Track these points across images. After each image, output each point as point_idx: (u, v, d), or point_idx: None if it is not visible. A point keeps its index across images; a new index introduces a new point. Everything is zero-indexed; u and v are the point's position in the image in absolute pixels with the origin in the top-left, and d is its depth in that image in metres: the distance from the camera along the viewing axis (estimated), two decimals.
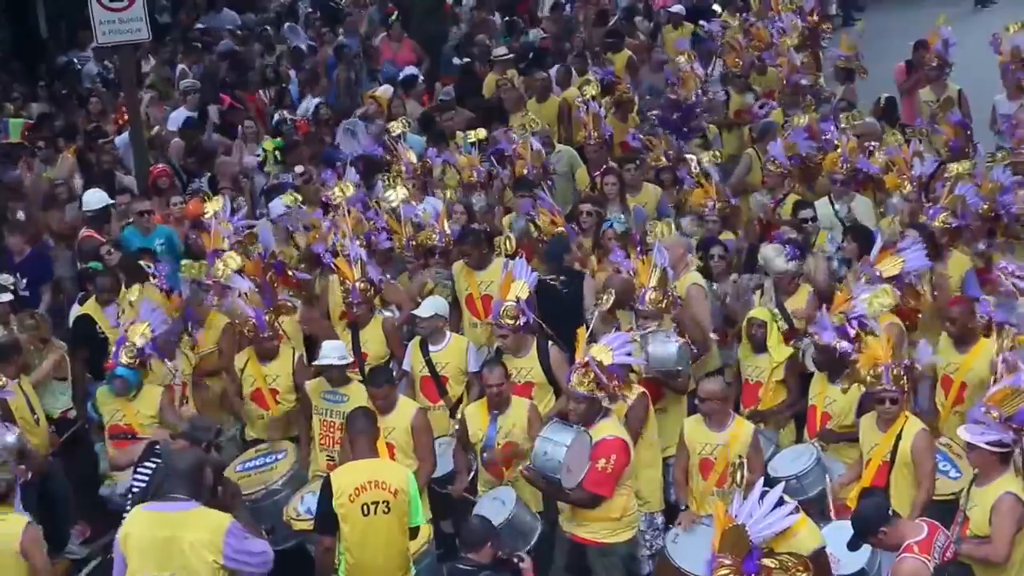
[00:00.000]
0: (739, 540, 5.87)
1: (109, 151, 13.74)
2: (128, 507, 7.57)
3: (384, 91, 14.60)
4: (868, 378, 7.69)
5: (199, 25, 20.35)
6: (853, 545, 6.80)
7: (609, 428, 7.80)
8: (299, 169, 12.12)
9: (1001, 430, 6.86)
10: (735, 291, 9.72)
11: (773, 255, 9.41)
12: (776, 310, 9.21)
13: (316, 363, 8.86)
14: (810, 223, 10.39)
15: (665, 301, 8.71)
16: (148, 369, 8.88)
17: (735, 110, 13.99)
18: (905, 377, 7.59)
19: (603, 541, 7.86)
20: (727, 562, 5.88)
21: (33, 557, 7.11)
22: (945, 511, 7.36)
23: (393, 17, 17.38)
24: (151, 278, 9.58)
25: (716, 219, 10.60)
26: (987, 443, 6.85)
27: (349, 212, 10.16)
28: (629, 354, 7.96)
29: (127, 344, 8.64)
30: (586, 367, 7.70)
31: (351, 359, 8.88)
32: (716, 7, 16.40)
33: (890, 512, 6.70)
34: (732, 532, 5.90)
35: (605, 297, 8.67)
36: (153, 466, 7.71)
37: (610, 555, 7.91)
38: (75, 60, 18.80)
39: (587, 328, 8.12)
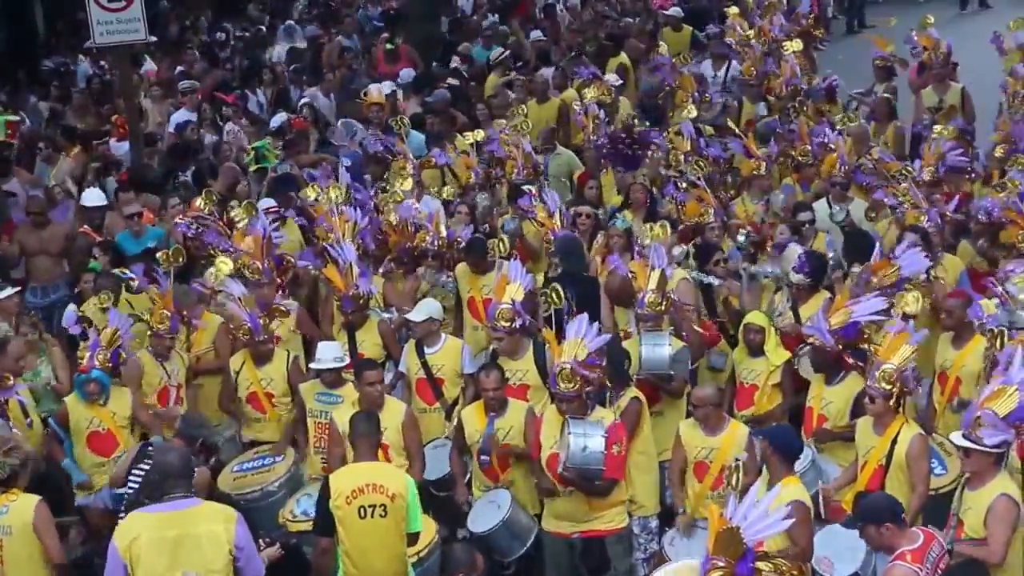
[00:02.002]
0: (733, 542, 5.83)
1: (101, 153, 13.71)
2: (123, 511, 7.57)
3: (378, 92, 14.55)
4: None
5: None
6: (849, 523, 6.84)
7: (608, 414, 7.95)
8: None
9: (1005, 429, 6.86)
10: (744, 283, 9.68)
11: (791, 255, 9.39)
12: (790, 311, 9.21)
13: (312, 366, 8.84)
14: (807, 226, 10.35)
15: (664, 303, 8.71)
16: (119, 374, 8.90)
17: (747, 119, 13.82)
18: (897, 383, 7.54)
19: (620, 526, 8.05)
20: (721, 563, 5.86)
21: (44, 535, 7.17)
22: (933, 506, 7.43)
23: (389, 45, 17.30)
24: (131, 282, 9.67)
25: (717, 225, 10.56)
26: (995, 445, 6.83)
27: (340, 215, 10.17)
28: (598, 334, 8.04)
29: (101, 348, 8.71)
30: (570, 370, 7.78)
31: (347, 360, 8.84)
32: (732, 8, 16.31)
33: (901, 515, 6.70)
34: (726, 534, 5.86)
35: None
36: (147, 467, 7.65)
37: (624, 538, 8.13)
38: (67, 61, 18.77)
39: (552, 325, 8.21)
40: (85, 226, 11.49)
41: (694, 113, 12.61)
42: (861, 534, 6.77)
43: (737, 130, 12.44)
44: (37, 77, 18.68)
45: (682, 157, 11.62)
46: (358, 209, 10.50)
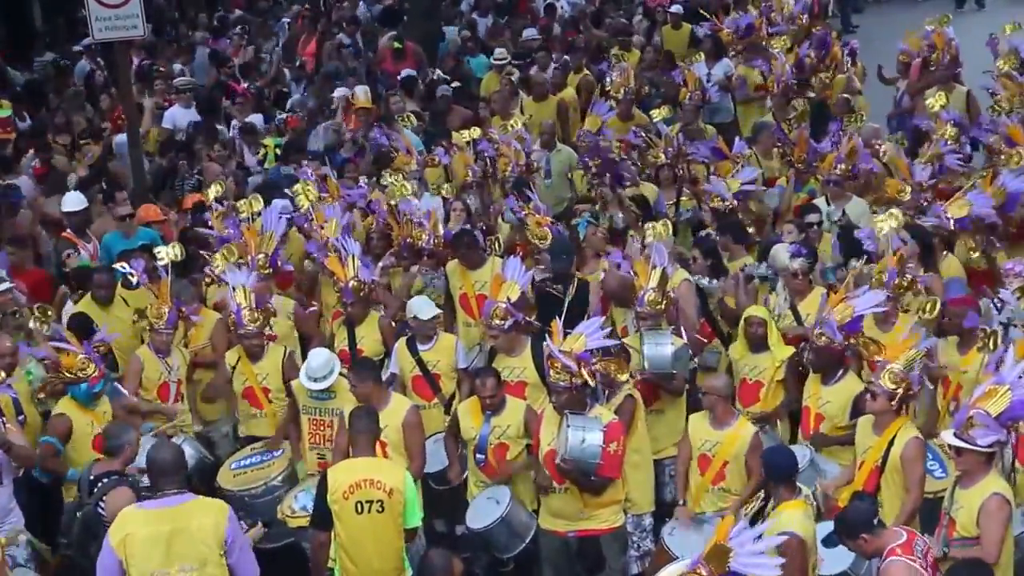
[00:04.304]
0: (722, 559, 5.91)
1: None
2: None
3: (365, 95, 14.57)
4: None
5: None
6: (830, 541, 6.86)
7: (607, 412, 7.95)
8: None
9: (997, 429, 6.88)
10: (739, 282, 9.68)
11: (781, 253, 9.43)
12: (789, 311, 9.22)
13: (303, 382, 8.61)
14: (815, 228, 10.34)
15: (664, 302, 8.72)
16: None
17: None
18: (903, 384, 7.52)
19: (615, 526, 8.05)
20: (703, 572, 5.91)
21: None
22: (928, 509, 7.42)
23: (397, 44, 17.31)
24: (130, 277, 9.63)
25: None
26: (988, 445, 6.85)
27: (316, 213, 10.23)
28: (604, 337, 8.05)
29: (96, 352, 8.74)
30: (551, 359, 7.80)
31: (333, 378, 8.59)
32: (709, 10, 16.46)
33: (875, 521, 6.73)
34: (719, 549, 5.93)
35: None
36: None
37: (619, 538, 8.12)
38: (58, 58, 18.72)
39: (560, 318, 8.19)
40: (68, 231, 11.38)
41: (667, 113, 12.61)
42: (850, 550, 6.84)
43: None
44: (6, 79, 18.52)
45: (662, 155, 11.68)
46: (337, 207, 10.50)
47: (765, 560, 5.96)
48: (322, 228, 10.13)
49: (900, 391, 7.49)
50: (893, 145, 11.72)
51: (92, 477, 7.65)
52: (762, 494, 7.37)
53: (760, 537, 6.04)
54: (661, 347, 8.58)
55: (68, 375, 8.51)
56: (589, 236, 10.34)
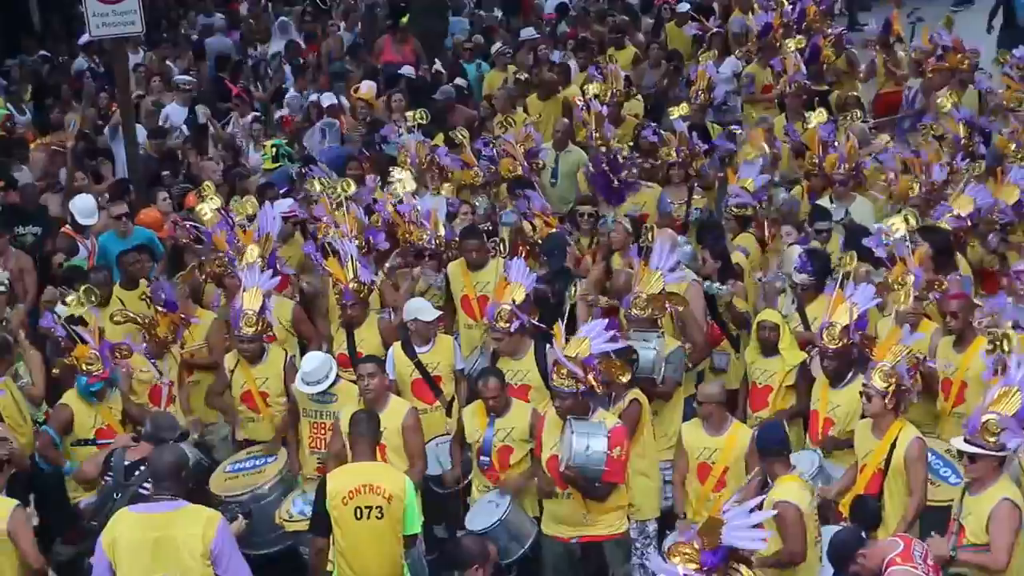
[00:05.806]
0: (714, 532, 5.89)
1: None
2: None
3: (369, 89, 14.45)
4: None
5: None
6: None
7: (611, 417, 7.85)
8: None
9: (1017, 429, 6.80)
10: (760, 292, 9.59)
11: (792, 257, 9.37)
12: (796, 314, 9.13)
13: (299, 387, 8.57)
14: (824, 233, 10.25)
15: (650, 309, 8.61)
16: None
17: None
18: (893, 380, 7.45)
19: (618, 532, 7.94)
20: (685, 548, 5.89)
21: (19, 540, 7.03)
22: (944, 517, 7.31)
23: (404, 19, 17.20)
24: (147, 287, 9.63)
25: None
26: (1016, 447, 6.80)
27: (350, 212, 10.09)
28: (610, 340, 7.91)
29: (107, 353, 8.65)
30: (556, 364, 7.71)
31: (329, 382, 8.52)
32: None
33: (863, 534, 6.71)
34: (713, 522, 5.92)
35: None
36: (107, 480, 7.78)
37: (623, 544, 8.03)
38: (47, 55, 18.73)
39: (563, 321, 8.11)
40: (67, 226, 11.31)
41: (686, 111, 12.53)
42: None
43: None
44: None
45: (673, 152, 11.60)
46: (360, 207, 10.42)
47: (755, 532, 5.91)
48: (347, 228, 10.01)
49: (892, 388, 7.43)
50: (894, 147, 11.66)
51: (127, 463, 7.69)
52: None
53: (753, 511, 5.99)
54: (643, 351, 8.46)
55: (75, 362, 8.56)
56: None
